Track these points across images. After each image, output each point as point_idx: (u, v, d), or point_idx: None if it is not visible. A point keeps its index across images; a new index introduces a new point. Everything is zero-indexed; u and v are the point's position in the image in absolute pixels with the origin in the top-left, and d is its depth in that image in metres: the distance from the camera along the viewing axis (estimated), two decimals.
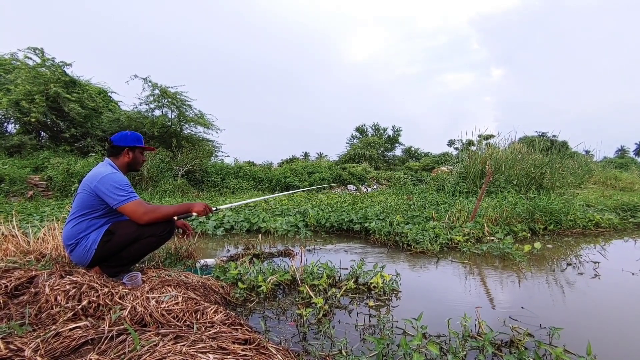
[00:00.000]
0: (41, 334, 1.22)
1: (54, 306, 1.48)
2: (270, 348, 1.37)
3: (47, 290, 1.54)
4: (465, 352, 1.44)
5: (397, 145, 41.98)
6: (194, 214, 2.39)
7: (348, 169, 18.21)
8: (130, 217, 2.16)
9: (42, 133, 15.60)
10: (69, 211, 6.23)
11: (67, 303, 1.49)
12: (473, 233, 4.15)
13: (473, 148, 13.10)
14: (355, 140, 41.81)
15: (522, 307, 2.13)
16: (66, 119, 14.55)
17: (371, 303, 2.15)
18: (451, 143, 42.32)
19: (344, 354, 1.46)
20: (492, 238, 4.03)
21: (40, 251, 2.59)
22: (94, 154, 12.38)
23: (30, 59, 14.07)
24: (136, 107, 15.46)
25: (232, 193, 12.20)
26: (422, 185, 15.00)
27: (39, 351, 1.13)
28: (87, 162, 11.30)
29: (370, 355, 1.41)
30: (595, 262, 3.14)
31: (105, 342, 1.22)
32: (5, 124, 15.69)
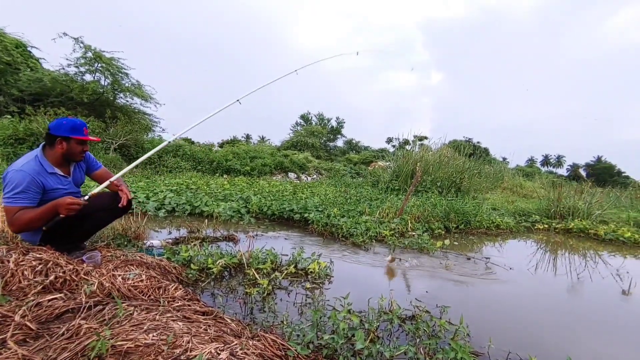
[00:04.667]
0: (21, 304, 1.38)
1: (21, 280, 1.59)
2: (225, 318, 1.67)
3: (11, 265, 1.64)
4: (378, 323, 1.87)
5: (339, 136, 43.27)
6: (61, 215, 2.03)
7: (290, 157, 18.50)
8: None
9: None
10: None
11: (34, 278, 1.62)
12: (398, 228, 4.76)
13: (408, 147, 14.20)
14: (299, 128, 42.13)
15: (427, 292, 2.67)
16: None
17: (308, 285, 2.52)
18: (389, 140, 44.74)
19: (286, 323, 1.81)
20: (413, 233, 4.67)
21: None
22: (9, 116, 11.05)
23: None
24: (63, 69, 14.01)
25: (169, 172, 11.81)
26: (360, 178, 15.89)
27: (26, 317, 1.29)
28: (2, 125, 10.09)
29: (308, 324, 1.78)
30: (487, 257, 3.88)
31: (85, 311, 1.41)
32: None
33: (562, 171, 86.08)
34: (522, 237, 5.59)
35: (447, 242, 4.02)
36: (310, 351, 1.48)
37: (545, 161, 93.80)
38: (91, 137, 2.36)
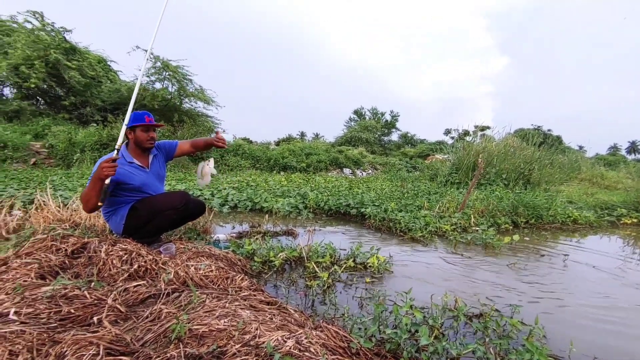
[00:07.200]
0: (112, 289, 1.56)
1: (111, 268, 1.80)
2: (289, 308, 1.73)
3: (103, 255, 1.87)
4: (443, 320, 1.81)
5: (394, 130, 42.23)
6: (107, 182, 2.09)
7: (345, 153, 18.48)
8: None
9: (40, 99, 15.55)
10: (77, 181, 6.43)
11: (122, 266, 1.82)
12: (460, 223, 4.53)
13: (468, 138, 13.43)
14: (352, 123, 41.96)
15: (500, 291, 2.51)
16: (65, 86, 14.50)
17: (367, 279, 2.51)
18: (447, 132, 42.77)
19: (347, 316, 1.82)
20: (477, 228, 4.42)
21: (73, 220, 2.90)
22: (95, 125, 12.45)
23: (30, 22, 13.90)
24: (137, 79, 15.43)
25: (230, 170, 12.47)
26: (416, 172, 15.40)
27: (117, 300, 1.46)
28: (89, 132, 11.42)
29: (369, 318, 1.77)
30: (565, 255, 3.54)
31: (164, 297, 1.56)
32: (2, 87, 15.56)
33: None
34: (604, 233, 5.02)
35: (516, 237, 3.73)
36: (373, 344, 1.47)
37: (632, 148, 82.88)
38: (156, 124, 2.59)
